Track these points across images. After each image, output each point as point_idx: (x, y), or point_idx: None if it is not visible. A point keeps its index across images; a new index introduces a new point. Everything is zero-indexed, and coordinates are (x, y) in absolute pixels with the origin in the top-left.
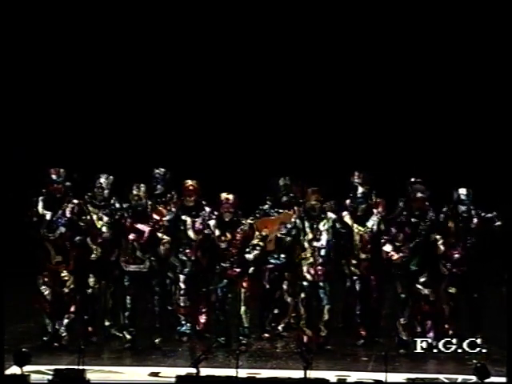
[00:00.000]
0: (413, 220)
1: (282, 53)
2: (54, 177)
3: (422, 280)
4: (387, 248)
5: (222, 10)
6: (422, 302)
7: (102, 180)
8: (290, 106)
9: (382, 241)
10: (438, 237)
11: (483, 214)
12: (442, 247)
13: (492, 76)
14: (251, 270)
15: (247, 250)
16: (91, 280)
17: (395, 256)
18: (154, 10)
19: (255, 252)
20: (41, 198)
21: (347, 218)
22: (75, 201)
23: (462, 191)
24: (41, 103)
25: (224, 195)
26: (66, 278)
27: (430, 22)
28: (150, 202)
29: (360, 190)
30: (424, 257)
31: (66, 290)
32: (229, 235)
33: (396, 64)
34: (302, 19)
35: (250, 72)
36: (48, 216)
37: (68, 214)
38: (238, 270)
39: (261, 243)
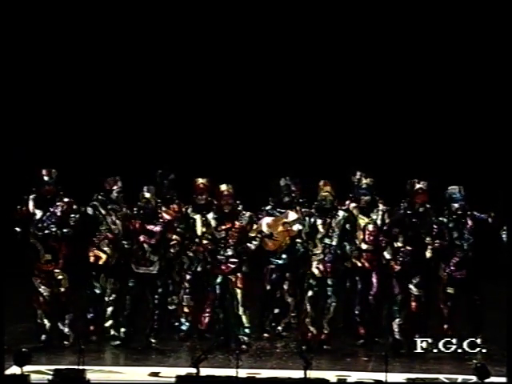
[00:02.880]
0: (414, 220)
1: (283, 56)
2: (45, 178)
3: (414, 281)
4: (387, 255)
5: (224, 10)
6: (412, 302)
7: (110, 182)
8: (292, 107)
9: (383, 244)
10: (428, 239)
11: (477, 215)
12: (428, 253)
13: (486, 78)
14: (244, 268)
15: (244, 241)
16: (101, 280)
17: (396, 268)
18: (155, 10)
19: (255, 242)
20: (31, 196)
21: (354, 210)
22: (66, 199)
23: (453, 188)
24: (45, 105)
25: (223, 187)
26: (61, 277)
27: (429, 23)
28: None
29: (364, 181)
30: (418, 259)
31: (62, 290)
32: (227, 224)
33: (395, 64)
34: (303, 19)
35: (252, 76)
36: (38, 215)
37: (58, 213)
38: (232, 265)
39: (258, 235)
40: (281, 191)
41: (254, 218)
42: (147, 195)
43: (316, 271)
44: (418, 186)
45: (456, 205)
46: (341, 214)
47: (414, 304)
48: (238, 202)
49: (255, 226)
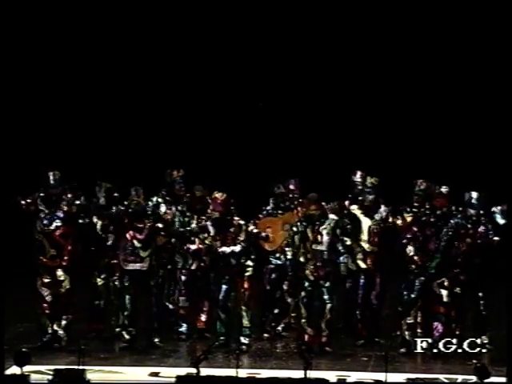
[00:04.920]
0: (432, 219)
1: (283, 58)
2: (51, 181)
3: (439, 281)
4: (409, 250)
5: (225, 13)
6: (434, 302)
7: (97, 188)
8: (293, 108)
9: (404, 241)
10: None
11: (490, 226)
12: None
13: (498, 76)
14: (250, 270)
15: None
16: (98, 279)
17: (417, 259)
18: (158, 12)
19: (234, 247)
20: (40, 194)
21: (356, 210)
22: (69, 195)
23: (473, 194)
24: (43, 108)
25: (215, 194)
26: (62, 278)
27: (432, 23)
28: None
29: (369, 180)
30: (443, 260)
31: (63, 291)
32: (222, 235)
33: (398, 65)
34: (304, 21)
35: (252, 78)
36: (45, 211)
37: (64, 208)
38: (235, 268)
39: (242, 240)
40: (279, 196)
41: (244, 227)
42: (136, 198)
43: (310, 277)
44: (438, 189)
45: (472, 211)
46: (330, 218)
47: (439, 307)
48: (232, 207)
49: (243, 234)
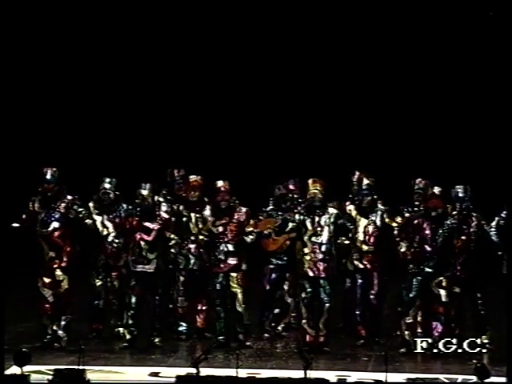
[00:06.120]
0: (427, 222)
1: (284, 58)
2: (47, 176)
3: (437, 281)
4: (401, 246)
5: (225, 11)
6: (433, 302)
7: (107, 184)
8: (293, 106)
9: (397, 239)
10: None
11: (483, 223)
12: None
13: (491, 75)
14: (244, 265)
15: (243, 235)
16: (96, 279)
17: (409, 255)
18: (159, 10)
19: (251, 237)
20: (37, 197)
21: (352, 210)
22: (69, 197)
23: (459, 188)
24: (46, 105)
25: (219, 183)
26: (61, 278)
27: (430, 22)
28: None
29: (365, 181)
30: (440, 260)
31: (61, 291)
32: (225, 219)
33: (395, 63)
34: (303, 19)
35: (252, 77)
36: (42, 214)
37: (62, 210)
38: (231, 263)
39: (255, 230)
40: (279, 198)
41: (250, 213)
42: (144, 192)
43: (309, 272)
44: (431, 190)
45: (463, 205)
46: (330, 211)
47: (438, 307)
48: (234, 197)
49: (252, 222)
